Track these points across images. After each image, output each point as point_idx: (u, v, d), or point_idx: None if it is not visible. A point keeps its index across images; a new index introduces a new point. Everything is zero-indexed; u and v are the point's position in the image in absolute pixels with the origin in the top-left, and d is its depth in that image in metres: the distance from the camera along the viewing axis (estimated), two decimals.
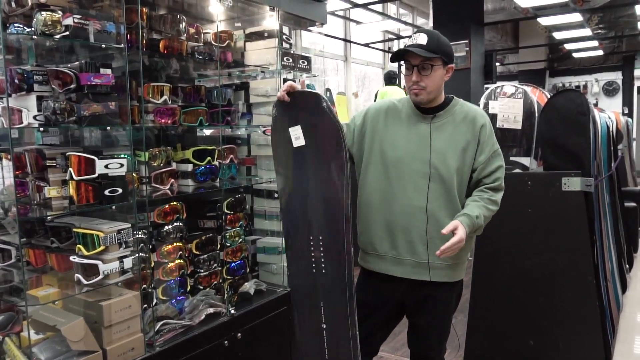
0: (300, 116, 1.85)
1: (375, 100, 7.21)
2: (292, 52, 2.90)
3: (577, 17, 8.78)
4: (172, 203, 2.39)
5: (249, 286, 2.77)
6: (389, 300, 2.03)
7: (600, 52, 12.49)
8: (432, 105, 1.93)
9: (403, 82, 10.66)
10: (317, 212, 1.85)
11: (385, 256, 1.95)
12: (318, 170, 1.84)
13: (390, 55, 1.86)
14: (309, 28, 3.34)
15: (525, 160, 2.79)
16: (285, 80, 2.83)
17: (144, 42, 2.24)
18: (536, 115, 2.76)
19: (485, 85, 7.43)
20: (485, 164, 1.93)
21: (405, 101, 1.99)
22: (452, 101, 1.97)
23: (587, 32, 10.15)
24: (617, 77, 13.18)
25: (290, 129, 1.85)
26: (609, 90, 13.29)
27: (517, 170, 2.78)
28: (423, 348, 2.07)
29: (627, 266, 4.26)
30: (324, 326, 1.85)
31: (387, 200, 1.92)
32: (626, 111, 12.14)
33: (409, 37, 1.83)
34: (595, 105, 7.58)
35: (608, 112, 5.06)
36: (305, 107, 1.83)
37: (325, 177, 1.82)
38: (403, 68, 1.91)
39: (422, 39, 1.83)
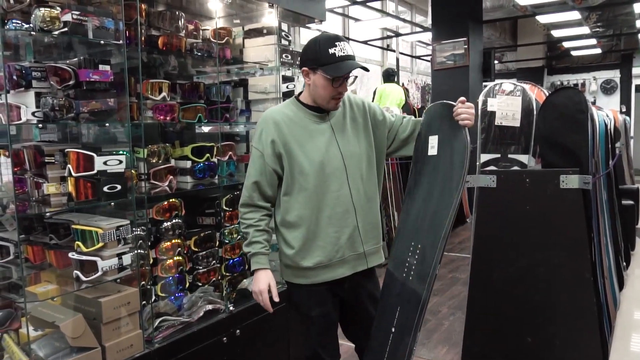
0: (441, 127, 1.91)
1: (373, 99, 7.20)
2: (290, 49, 2.90)
3: (575, 15, 8.79)
4: (170, 200, 2.40)
5: (247, 283, 2.77)
6: (336, 303, 2.02)
7: (598, 51, 12.50)
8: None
9: (402, 80, 10.68)
10: (425, 222, 1.90)
11: (330, 263, 1.93)
12: (438, 182, 1.89)
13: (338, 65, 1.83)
14: (308, 25, 3.34)
15: (524, 158, 2.79)
16: (284, 77, 2.84)
17: (143, 38, 2.24)
18: (534, 113, 2.76)
19: (484, 83, 7.44)
20: (387, 119, 2.03)
21: (293, 110, 1.94)
22: None
23: (585, 30, 10.16)
24: (615, 75, 13.20)
25: (430, 137, 1.93)
26: (606, 88, 13.31)
27: (516, 168, 2.78)
28: (366, 337, 2.04)
29: (624, 264, 4.28)
30: (393, 330, 1.88)
31: (319, 209, 1.90)
32: (624, 109, 12.18)
33: (334, 45, 1.82)
34: (593, 103, 7.60)
35: (606, 110, 5.07)
36: (448, 117, 1.88)
37: (440, 190, 1.86)
38: (328, 78, 1.82)
39: (350, 48, 1.86)
